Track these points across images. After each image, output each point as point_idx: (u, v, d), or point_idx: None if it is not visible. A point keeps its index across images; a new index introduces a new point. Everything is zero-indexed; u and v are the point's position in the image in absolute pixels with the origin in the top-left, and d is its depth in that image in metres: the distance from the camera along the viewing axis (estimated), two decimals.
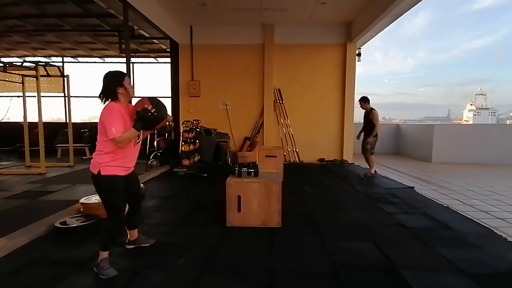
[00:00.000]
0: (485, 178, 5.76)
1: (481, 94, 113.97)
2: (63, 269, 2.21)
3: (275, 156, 5.26)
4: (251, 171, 3.20)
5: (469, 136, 8.06)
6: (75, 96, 9.60)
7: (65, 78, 6.60)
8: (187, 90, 7.71)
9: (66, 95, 6.87)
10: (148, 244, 2.60)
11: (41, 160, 5.82)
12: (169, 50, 7.69)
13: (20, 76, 6.19)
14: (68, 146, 6.79)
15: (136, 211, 2.55)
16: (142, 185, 4.04)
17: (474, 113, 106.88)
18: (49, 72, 6.45)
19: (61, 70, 6.83)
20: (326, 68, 7.69)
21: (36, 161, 6.15)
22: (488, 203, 4.04)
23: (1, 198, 4.08)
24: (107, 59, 10.47)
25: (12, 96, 6.81)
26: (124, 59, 5.89)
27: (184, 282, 2.07)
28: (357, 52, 7.96)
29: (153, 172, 5.71)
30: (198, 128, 6.18)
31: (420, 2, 5.27)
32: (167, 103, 7.86)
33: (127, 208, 2.48)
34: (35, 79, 5.79)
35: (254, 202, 3.05)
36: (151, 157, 6.23)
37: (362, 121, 5.91)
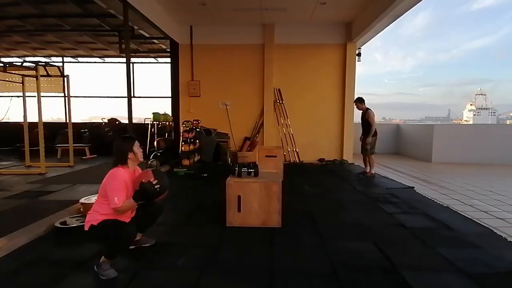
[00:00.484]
0: (485, 178, 5.76)
1: (481, 94, 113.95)
2: (63, 269, 2.21)
3: (275, 156, 5.26)
4: (251, 171, 3.20)
5: (469, 136, 8.06)
6: (75, 96, 9.61)
7: (65, 78, 6.59)
8: (187, 90, 7.71)
9: (66, 95, 6.87)
10: (148, 244, 2.60)
11: (41, 160, 5.82)
12: (169, 50, 7.70)
13: (20, 76, 6.19)
14: (68, 146, 6.79)
15: (155, 215, 2.56)
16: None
17: (474, 113, 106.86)
18: (49, 72, 6.44)
19: (61, 70, 6.82)
20: (326, 68, 7.69)
21: (36, 161, 6.14)
22: (488, 203, 4.04)
23: (1, 198, 4.07)
24: (107, 59, 10.48)
25: (12, 96, 6.81)
26: (124, 59, 5.90)
27: (184, 282, 2.07)
28: (357, 52, 7.96)
29: None
30: (198, 128, 6.19)
31: (420, 2, 5.27)
32: (167, 103, 7.94)
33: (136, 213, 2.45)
34: (35, 79, 5.79)
35: (254, 202, 3.05)
36: (151, 157, 6.22)
37: (360, 122, 5.94)
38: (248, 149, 7.35)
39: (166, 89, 7.88)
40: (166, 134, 7.08)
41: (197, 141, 6.10)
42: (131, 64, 5.50)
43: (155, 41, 8.35)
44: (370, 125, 5.57)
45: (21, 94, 6.32)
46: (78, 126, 8.72)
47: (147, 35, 7.46)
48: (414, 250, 2.58)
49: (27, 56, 9.88)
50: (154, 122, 6.68)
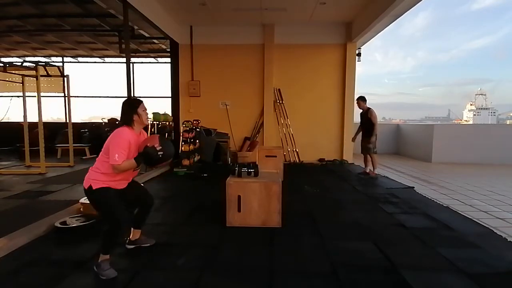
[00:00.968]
0: (485, 178, 5.76)
1: (481, 94, 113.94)
2: (63, 269, 2.21)
3: (275, 156, 5.26)
4: (251, 171, 3.20)
5: (469, 136, 8.06)
6: (75, 96, 9.62)
7: (65, 78, 6.59)
8: (187, 90, 7.71)
9: (66, 95, 6.87)
10: (148, 244, 2.60)
11: (41, 160, 5.82)
12: (169, 50, 7.70)
13: (20, 76, 6.19)
14: (68, 146, 6.79)
15: (146, 212, 2.56)
16: (142, 185, 4.04)
17: (474, 113, 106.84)
18: (49, 72, 6.45)
19: (61, 70, 6.82)
20: (326, 68, 7.69)
21: (36, 161, 6.14)
22: (488, 203, 4.04)
23: (1, 198, 4.08)
24: (107, 59, 10.49)
25: (12, 96, 6.81)
26: (124, 59, 5.89)
27: (184, 282, 2.07)
28: (357, 52, 7.96)
29: (153, 172, 5.71)
30: (198, 128, 6.18)
31: (420, 2, 5.27)
32: (167, 103, 7.94)
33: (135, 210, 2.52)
34: (35, 79, 5.79)
35: (254, 202, 3.05)
36: None
37: (360, 121, 5.91)
38: (248, 149, 7.35)
39: (166, 89, 7.88)
40: (166, 134, 7.07)
41: (197, 141, 6.10)
42: (131, 64, 5.51)
43: (155, 41, 8.34)
44: (373, 124, 5.52)
45: (21, 94, 6.32)
46: (78, 126, 8.73)
47: (147, 35, 7.46)
48: (414, 250, 2.58)
49: (27, 56, 9.87)
50: (154, 122, 6.67)
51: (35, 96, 5.82)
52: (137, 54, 9.38)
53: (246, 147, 7.47)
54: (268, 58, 7.58)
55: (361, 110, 5.83)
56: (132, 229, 2.53)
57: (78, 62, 10.68)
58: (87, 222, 2.95)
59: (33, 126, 6.28)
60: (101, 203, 2.18)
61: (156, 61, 10.39)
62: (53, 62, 9.22)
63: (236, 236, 2.86)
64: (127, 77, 4.86)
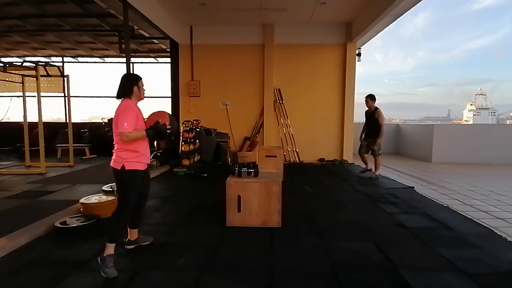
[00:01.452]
0: (485, 178, 5.76)
1: (481, 94, 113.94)
2: (63, 269, 2.21)
3: (275, 156, 5.26)
4: (251, 171, 3.20)
5: (469, 136, 8.06)
6: (75, 96, 9.62)
7: (65, 78, 6.60)
8: (187, 90, 7.71)
9: (66, 95, 6.87)
10: (147, 243, 2.60)
11: (41, 160, 5.82)
12: (169, 50, 7.70)
13: (20, 76, 6.19)
14: (68, 146, 6.79)
15: (141, 211, 2.57)
16: None
17: (474, 113, 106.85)
18: (49, 72, 6.45)
19: (61, 70, 6.82)
20: (326, 68, 7.69)
21: (36, 161, 6.15)
22: (488, 203, 4.04)
23: (1, 198, 4.08)
24: (107, 59, 10.49)
25: (12, 96, 6.81)
26: (124, 59, 5.89)
27: (184, 282, 2.07)
28: (357, 52, 7.95)
29: (153, 172, 5.71)
30: (198, 128, 6.18)
31: (420, 2, 5.27)
32: (167, 103, 7.93)
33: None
34: (35, 79, 5.79)
35: (254, 202, 3.05)
36: (151, 157, 6.21)
37: (364, 121, 5.84)
38: (248, 149, 7.35)
39: (166, 89, 7.88)
40: None
41: (197, 141, 6.10)
42: (131, 64, 5.50)
43: (155, 41, 8.34)
44: (380, 125, 5.40)
45: (21, 94, 6.32)
46: (78, 126, 8.73)
47: (147, 35, 7.46)
48: (414, 250, 2.58)
49: (27, 56, 9.87)
50: None
51: (35, 96, 5.82)
52: (137, 54, 9.38)
53: (246, 147, 7.47)
54: (268, 58, 7.58)
55: (367, 109, 5.69)
56: (129, 229, 2.53)
57: (78, 62, 10.68)
58: (87, 222, 2.95)
59: (33, 126, 6.28)
60: (125, 184, 2.27)
61: (156, 61, 10.39)
62: (53, 62, 9.23)
63: (236, 236, 2.86)
64: None
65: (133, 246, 2.54)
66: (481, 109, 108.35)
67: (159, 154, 6.42)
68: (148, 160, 2.43)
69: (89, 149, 8.13)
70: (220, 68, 7.72)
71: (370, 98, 5.66)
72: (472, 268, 2.23)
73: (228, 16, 6.96)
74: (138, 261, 2.36)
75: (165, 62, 9.46)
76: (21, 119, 6.36)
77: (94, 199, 3.39)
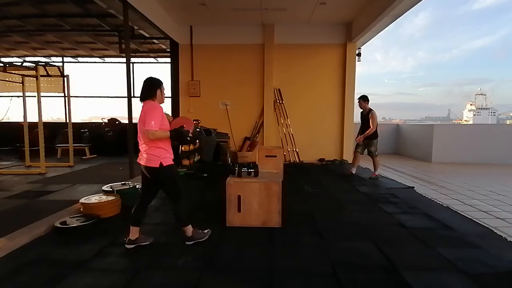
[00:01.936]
0: (485, 178, 5.76)
1: (481, 94, 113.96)
2: (63, 269, 2.21)
3: (275, 156, 5.26)
4: (251, 171, 3.20)
5: (469, 136, 8.06)
6: (75, 96, 9.62)
7: (65, 78, 6.60)
8: (187, 90, 7.71)
9: (66, 95, 6.87)
10: (147, 243, 2.60)
11: (41, 160, 5.82)
12: (169, 50, 7.70)
13: (20, 76, 6.19)
14: (68, 146, 6.79)
15: (146, 209, 2.70)
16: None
17: (474, 113, 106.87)
18: (49, 72, 6.45)
19: (61, 70, 6.82)
20: (326, 68, 7.69)
21: (36, 161, 6.14)
22: (488, 203, 4.04)
23: (1, 198, 4.07)
24: (107, 59, 10.48)
25: (12, 96, 6.81)
26: (124, 59, 5.89)
27: (184, 282, 2.07)
28: (357, 52, 7.95)
29: None
30: (198, 128, 6.18)
31: (420, 2, 5.27)
32: (167, 103, 7.92)
33: (136, 205, 2.62)
34: (35, 79, 5.79)
35: (254, 202, 3.05)
36: None
37: (360, 121, 5.82)
38: (248, 149, 7.35)
39: (166, 89, 7.87)
40: None
41: (197, 141, 6.09)
42: (131, 64, 5.50)
43: (155, 41, 8.34)
44: (371, 127, 5.42)
45: (21, 94, 6.32)
46: (78, 126, 8.72)
47: (147, 35, 7.46)
48: (414, 250, 2.58)
49: (27, 56, 9.87)
50: None
51: (35, 96, 5.82)
52: (137, 54, 9.38)
53: (246, 147, 7.47)
54: (268, 58, 7.58)
55: (362, 110, 5.73)
56: (131, 227, 2.54)
57: (78, 62, 10.67)
58: (87, 222, 2.95)
59: (33, 126, 6.28)
60: (170, 178, 2.47)
61: (156, 61, 10.39)
62: (53, 62, 9.23)
63: (236, 236, 2.86)
64: (127, 77, 4.85)
65: (133, 246, 2.54)
66: (481, 109, 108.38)
67: None
68: (173, 157, 2.59)
69: (89, 149, 8.12)
70: (220, 68, 7.72)
71: (363, 99, 5.65)
72: (472, 268, 2.23)
73: (228, 16, 6.97)
74: (138, 261, 2.36)
75: (165, 62, 9.46)
76: (21, 119, 6.36)
77: (94, 199, 3.39)
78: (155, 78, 2.56)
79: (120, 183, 3.88)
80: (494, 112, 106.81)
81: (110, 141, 8.54)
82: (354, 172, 5.79)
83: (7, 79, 6.35)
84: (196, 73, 7.74)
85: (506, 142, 7.78)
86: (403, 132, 9.62)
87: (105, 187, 3.73)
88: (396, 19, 6.28)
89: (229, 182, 3.08)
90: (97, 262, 2.33)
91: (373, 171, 5.69)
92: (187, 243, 2.59)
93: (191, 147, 5.90)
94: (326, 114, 7.78)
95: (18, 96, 6.51)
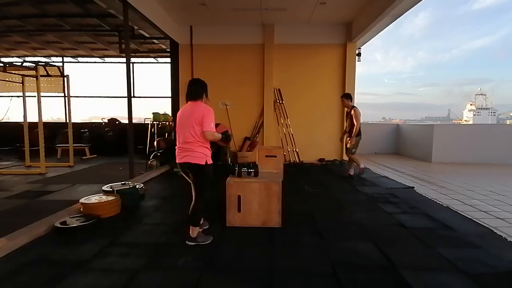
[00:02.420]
0: (485, 178, 5.76)
1: (481, 94, 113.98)
2: (63, 269, 2.21)
3: (275, 156, 5.26)
4: (251, 171, 3.20)
5: (469, 136, 8.05)
6: (75, 96, 9.62)
7: (65, 78, 6.60)
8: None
9: (66, 95, 6.88)
10: (207, 227, 2.96)
11: (41, 160, 5.82)
12: (169, 50, 7.70)
13: (20, 76, 6.19)
14: (68, 146, 6.79)
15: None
16: (142, 185, 4.04)
17: (474, 113, 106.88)
18: (49, 72, 6.45)
19: (61, 70, 6.83)
20: (326, 68, 7.69)
21: (36, 161, 6.15)
22: (488, 203, 4.04)
23: (1, 198, 4.08)
24: (107, 59, 10.48)
25: (12, 96, 6.81)
26: (124, 59, 5.90)
27: (184, 282, 2.07)
28: (357, 52, 7.95)
29: (153, 172, 5.71)
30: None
31: (420, 2, 5.27)
32: (167, 103, 7.92)
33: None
34: (35, 79, 5.79)
35: (254, 202, 3.05)
36: (151, 157, 6.22)
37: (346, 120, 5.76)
38: (248, 149, 7.36)
39: (166, 89, 7.88)
40: (166, 134, 7.08)
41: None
42: (131, 64, 5.50)
43: (155, 41, 8.34)
44: (355, 125, 5.38)
45: (21, 94, 6.32)
46: (78, 126, 8.73)
47: (147, 35, 7.46)
48: (414, 250, 2.58)
49: (27, 56, 9.88)
50: (154, 122, 6.67)
51: (35, 96, 5.82)
52: (137, 54, 9.38)
53: (246, 147, 7.47)
54: (268, 58, 7.58)
55: (346, 108, 5.66)
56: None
57: (78, 62, 10.67)
58: (87, 222, 2.95)
59: (33, 126, 6.28)
60: (206, 177, 2.65)
61: (156, 61, 10.39)
62: (53, 62, 9.24)
63: (236, 236, 2.86)
64: (127, 77, 4.86)
65: (201, 229, 2.80)
66: (481, 109, 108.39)
67: (159, 154, 6.41)
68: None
69: (89, 149, 8.13)
70: (220, 68, 7.72)
71: (346, 97, 5.64)
72: (472, 268, 2.23)
73: (228, 16, 6.97)
74: (138, 261, 2.36)
75: (165, 62, 9.47)
76: (21, 119, 6.37)
77: (94, 199, 3.39)
78: (202, 80, 2.78)
79: (120, 183, 3.88)
80: (494, 112, 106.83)
81: (110, 141, 8.55)
82: (352, 173, 5.79)
83: (7, 79, 6.35)
84: (196, 73, 7.73)
85: (506, 142, 7.78)
86: (403, 132, 9.62)
87: (105, 187, 3.73)
88: (396, 19, 6.27)
89: (229, 182, 3.08)
90: (97, 262, 2.33)
91: (361, 167, 5.67)
92: (188, 242, 2.61)
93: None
94: (326, 114, 7.78)
95: (18, 96, 6.52)
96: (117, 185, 3.77)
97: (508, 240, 2.79)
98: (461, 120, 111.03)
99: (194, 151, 2.55)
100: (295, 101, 7.72)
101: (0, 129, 8.43)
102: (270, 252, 2.54)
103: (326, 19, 7.25)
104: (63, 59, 10.28)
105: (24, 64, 5.93)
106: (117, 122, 9.22)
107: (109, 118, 9.42)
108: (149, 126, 6.84)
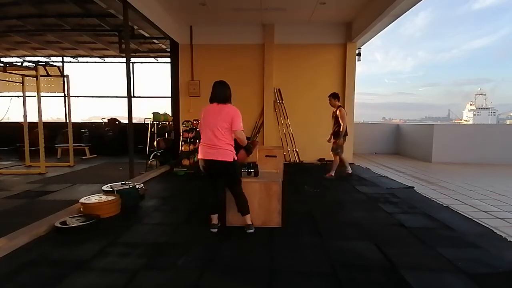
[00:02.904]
0: (485, 178, 5.76)
1: (481, 94, 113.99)
2: (63, 269, 2.21)
3: (275, 156, 5.26)
4: (251, 171, 3.20)
5: (469, 136, 8.05)
6: (75, 96, 9.62)
7: (65, 78, 6.60)
8: (187, 90, 7.70)
9: (66, 95, 6.88)
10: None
11: (41, 160, 5.82)
12: (169, 50, 7.70)
13: (20, 76, 6.19)
14: (68, 146, 6.79)
15: (220, 198, 3.08)
16: (142, 185, 4.04)
17: (474, 113, 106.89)
18: (49, 72, 6.45)
19: (61, 70, 6.82)
20: (326, 68, 7.69)
21: (36, 161, 6.15)
22: (488, 203, 4.04)
23: (1, 198, 4.08)
24: (107, 59, 10.49)
25: (12, 96, 6.81)
26: (124, 59, 5.90)
27: (184, 282, 2.07)
28: (357, 52, 7.95)
29: (153, 172, 5.71)
30: (198, 128, 6.18)
31: (420, 2, 5.27)
32: (167, 103, 7.92)
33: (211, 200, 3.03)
34: (35, 79, 5.79)
35: (254, 202, 3.05)
36: (151, 157, 6.22)
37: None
38: None
39: (166, 89, 7.88)
40: (166, 134, 7.08)
41: (197, 141, 6.09)
42: (131, 64, 5.50)
43: (155, 41, 8.35)
44: (340, 124, 5.35)
45: (21, 94, 6.32)
46: (78, 126, 8.73)
47: (147, 35, 7.46)
48: (414, 250, 2.58)
49: (27, 56, 9.88)
50: (154, 122, 6.67)
51: (35, 96, 5.82)
52: (137, 54, 9.38)
53: None
54: (268, 58, 7.58)
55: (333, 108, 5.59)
56: (212, 215, 2.98)
57: (78, 62, 10.68)
58: (87, 222, 2.95)
59: (33, 126, 6.28)
60: (237, 170, 2.87)
61: (156, 61, 10.40)
62: (53, 62, 9.23)
63: (236, 236, 2.86)
64: (127, 77, 4.86)
65: (216, 230, 2.94)
66: (481, 109, 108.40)
67: (159, 154, 6.41)
68: None
69: (89, 149, 8.13)
70: (220, 68, 7.72)
71: (333, 96, 5.61)
72: (472, 268, 2.23)
73: (228, 16, 6.96)
74: (138, 261, 2.36)
75: (165, 62, 9.46)
76: (21, 119, 6.37)
77: (94, 199, 3.39)
78: (227, 83, 3.05)
79: (120, 183, 3.88)
80: (494, 112, 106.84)
81: (110, 141, 8.55)
82: (350, 171, 5.78)
83: (7, 79, 6.35)
84: (196, 73, 7.74)
85: (506, 142, 7.78)
86: (403, 132, 9.62)
87: (105, 187, 3.73)
88: (396, 19, 6.28)
89: None
90: (97, 262, 2.33)
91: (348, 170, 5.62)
92: (248, 231, 2.85)
93: (191, 147, 5.92)
94: (326, 114, 7.71)
95: (18, 96, 6.52)
96: (117, 185, 3.77)
97: (508, 240, 2.79)
98: (461, 120, 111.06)
99: (222, 149, 2.72)
100: (295, 101, 7.72)
101: (0, 129, 8.42)
102: (270, 252, 2.54)
103: (326, 19, 7.25)
104: (63, 59, 10.29)
105: (24, 64, 5.93)
106: (117, 122, 9.22)
107: (109, 118, 9.42)
108: (149, 126, 6.84)
